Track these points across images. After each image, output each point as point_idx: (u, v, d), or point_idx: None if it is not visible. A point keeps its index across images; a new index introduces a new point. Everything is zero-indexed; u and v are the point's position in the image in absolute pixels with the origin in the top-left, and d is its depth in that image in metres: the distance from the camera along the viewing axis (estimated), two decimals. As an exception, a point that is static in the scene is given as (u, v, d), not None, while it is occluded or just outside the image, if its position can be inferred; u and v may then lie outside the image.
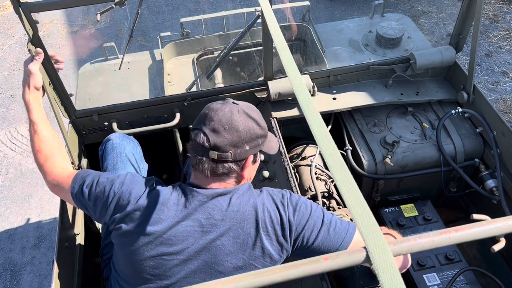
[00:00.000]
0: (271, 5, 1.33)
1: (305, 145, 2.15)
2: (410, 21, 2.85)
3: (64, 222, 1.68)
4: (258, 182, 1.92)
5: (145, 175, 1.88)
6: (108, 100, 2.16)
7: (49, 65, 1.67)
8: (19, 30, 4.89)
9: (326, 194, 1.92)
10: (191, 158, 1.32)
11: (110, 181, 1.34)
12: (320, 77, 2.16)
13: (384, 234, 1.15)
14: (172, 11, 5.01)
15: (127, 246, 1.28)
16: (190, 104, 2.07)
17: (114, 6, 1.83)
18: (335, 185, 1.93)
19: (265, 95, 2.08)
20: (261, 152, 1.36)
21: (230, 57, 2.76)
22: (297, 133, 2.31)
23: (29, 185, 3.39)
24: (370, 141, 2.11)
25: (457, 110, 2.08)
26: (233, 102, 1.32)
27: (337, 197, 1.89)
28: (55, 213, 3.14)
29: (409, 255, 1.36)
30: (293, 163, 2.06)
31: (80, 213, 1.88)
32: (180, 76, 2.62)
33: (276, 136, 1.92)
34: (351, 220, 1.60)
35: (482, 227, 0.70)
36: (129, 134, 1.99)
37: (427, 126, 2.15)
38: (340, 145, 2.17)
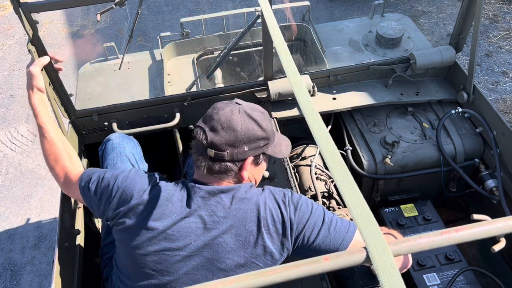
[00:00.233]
0: (271, 5, 1.33)
1: (305, 145, 2.15)
2: (410, 21, 2.84)
3: (64, 222, 1.68)
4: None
5: (145, 175, 1.88)
6: (108, 100, 2.16)
7: (49, 65, 1.67)
8: (19, 30, 4.89)
9: (326, 194, 1.92)
10: (192, 154, 1.34)
11: (114, 176, 1.35)
12: (320, 77, 2.16)
13: (384, 234, 1.15)
14: (172, 11, 5.01)
15: (129, 240, 1.28)
16: (190, 104, 2.07)
17: (114, 6, 1.83)
18: (335, 185, 1.93)
19: (265, 95, 2.08)
20: (265, 154, 1.36)
21: (230, 57, 2.76)
22: (297, 133, 2.31)
23: (29, 185, 3.39)
24: (370, 141, 2.11)
25: (457, 110, 2.08)
26: (236, 103, 1.33)
27: (337, 197, 1.89)
28: (55, 213, 3.14)
29: (409, 255, 1.36)
30: (293, 163, 2.06)
31: (80, 213, 1.88)
32: (180, 76, 2.62)
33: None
34: (351, 220, 1.60)
35: (482, 227, 0.70)
36: (129, 134, 2.00)
37: (427, 126, 2.15)
38: (340, 145, 2.17)
